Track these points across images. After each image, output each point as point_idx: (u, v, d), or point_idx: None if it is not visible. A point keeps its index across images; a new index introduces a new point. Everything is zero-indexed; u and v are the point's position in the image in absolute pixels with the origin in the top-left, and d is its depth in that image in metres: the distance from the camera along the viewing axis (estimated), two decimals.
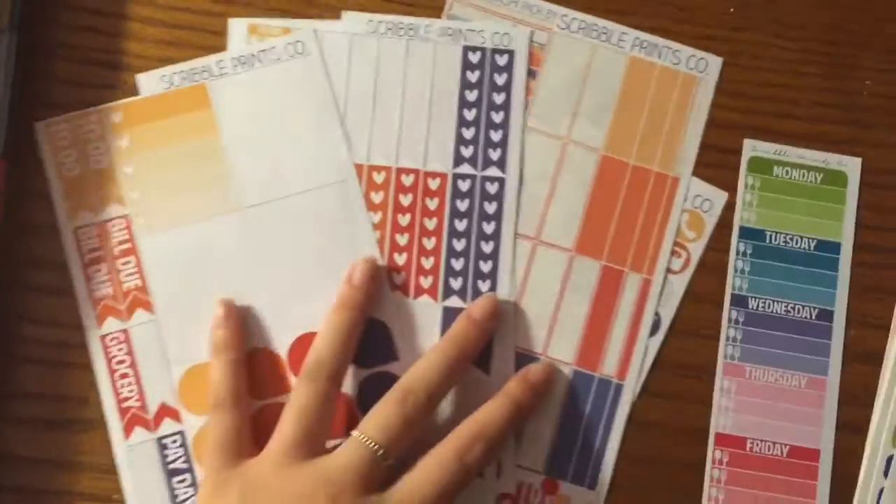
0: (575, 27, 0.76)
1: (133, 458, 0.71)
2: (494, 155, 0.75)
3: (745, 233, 0.75)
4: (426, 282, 0.74)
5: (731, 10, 0.77)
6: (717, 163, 0.75)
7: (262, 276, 0.73)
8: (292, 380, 0.72)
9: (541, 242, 0.74)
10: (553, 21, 0.76)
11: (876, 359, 0.74)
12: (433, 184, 0.75)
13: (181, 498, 0.71)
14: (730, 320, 0.74)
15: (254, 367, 0.72)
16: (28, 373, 0.72)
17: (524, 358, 0.73)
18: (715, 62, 0.76)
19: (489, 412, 0.68)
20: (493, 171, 0.74)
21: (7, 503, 0.70)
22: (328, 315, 0.69)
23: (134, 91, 0.74)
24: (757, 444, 0.73)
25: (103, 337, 0.72)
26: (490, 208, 0.74)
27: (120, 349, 0.72)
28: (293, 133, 0.74)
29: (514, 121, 0.75)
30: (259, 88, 0.75)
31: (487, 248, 0.74)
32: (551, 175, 0.75)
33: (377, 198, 0.74)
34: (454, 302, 0.73)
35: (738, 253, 0.75)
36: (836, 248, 0.75)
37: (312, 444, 0.66)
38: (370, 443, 0.64)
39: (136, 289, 0.73)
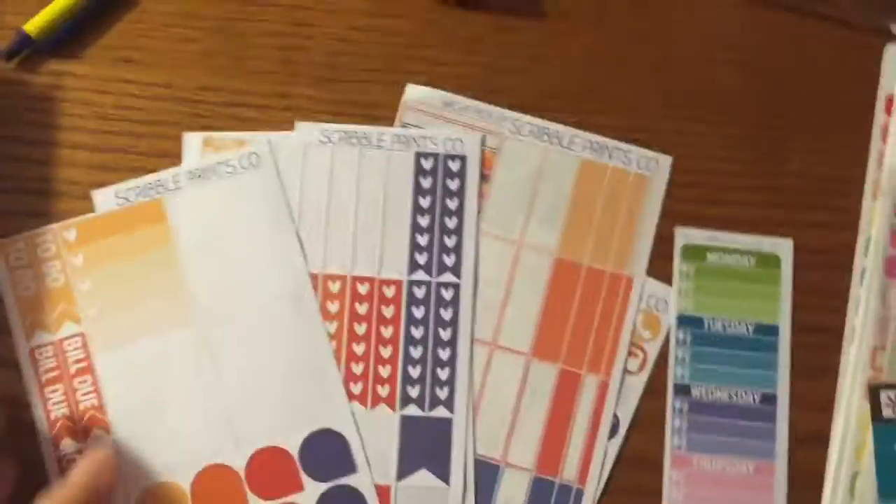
0: (526, 131, 0.77)
1: None
2: (449, 261, 0.75)
3: (684, 321, 0.75)
4: (383, 391, 0.73)
5: (657, 100, 0.78)
6: (652, 253, 0.75)
7: (219, 389, 0.72)
8: (249, 496, 0.71)
9: (497, 347, 0.74)
10: (504, 125, 0.76)
11: (822, 440, 0.73)
12: (388, 291, 0.74)
13: None
14: (674, 410, 0.73)
15: (211, 483, 0.71)
16: None
17: (483, 465, 0.72)
18: (665, 161, 0.76)
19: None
20: (447, 277, 0.74)
21: None
22: None
23: (62, 216, 0.74)
24: None
25: (60, 458, 0.71)
26: (446, 314, 0.74)
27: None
28: (249, 244, 0.74)
29: (467, 226, 0.75)
30: (214, 200, 0.75)
31: (444, 354, 0.73)
32: (506, 280, 0.74)
33: (333, 307, 0.74)
34: (412, 410, 0.72)
35: (677, 341, 0.74)
36: (774, 330, 0.75)
37: None
38: None
39: (92, 408, 0.71)
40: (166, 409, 0.71)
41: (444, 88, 0.77)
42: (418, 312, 0.74)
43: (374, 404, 0.73)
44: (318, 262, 0.75)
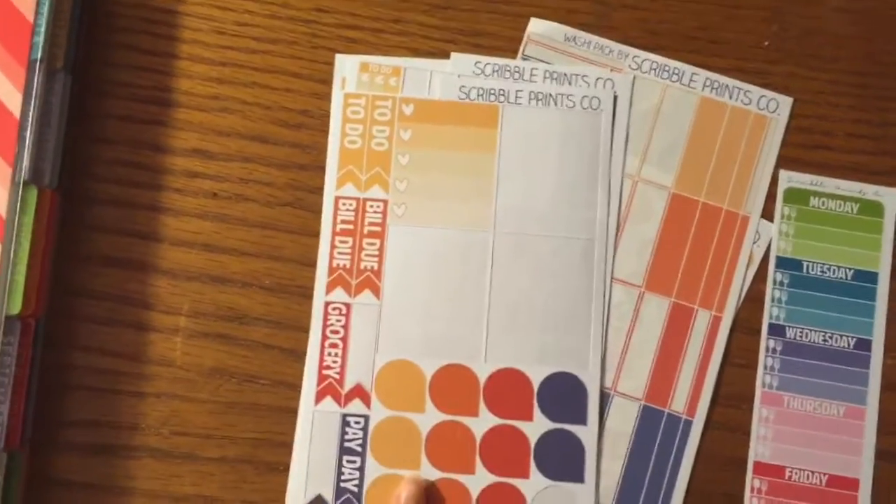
0: (646, 68, 0.76)
1: (316, 424, 0.72)
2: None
3: (782, 263, 0.75)
4: None
5: (766, 42, 0.77)
6: None
7: (491, 300, 0.73)
8: (481, 406, 0.73)
9: (612, 279, 0.74)
10: (625, 62, 0.76)
11: None
12: None
13: (345, 477, 0.72)
14: (767, 350, 0.74)
15: (451, 380, 0.73)
16: (80, 400, 0.72)
17: None
18: (786, 102, 0.76)
19: None
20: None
21: None
22: None
23: (176, 125, 0.75)
24: (795, 473, 0.73)
25: (328, 303, 0.74)
26: None
27: (338, 320, 0.73)
28: (562, 179, 0.75)
29: (615, 167, 0.75)
30: (546, 127, 0.75)
31: None
32: (622, 214, 0.74)
33: None
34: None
35: (775, 283, 0.74)
36: (873, 277, 0.75)
37: None
38: None
39: (370, 270, 0.74)
40: (436, 297, 0.73)
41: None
42: None
43: None
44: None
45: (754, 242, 0.75)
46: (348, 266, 0.74)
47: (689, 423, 0.73)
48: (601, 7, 0.77)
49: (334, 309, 0.74)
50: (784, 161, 0.76)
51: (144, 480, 0.72)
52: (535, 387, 0.73)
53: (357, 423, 0.73)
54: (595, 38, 0.77)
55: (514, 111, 0.76)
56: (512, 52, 0.77)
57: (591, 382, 0.73)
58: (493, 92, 0.76)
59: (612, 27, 0.77)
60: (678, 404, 0.73)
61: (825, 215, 0.75)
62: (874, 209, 0.75)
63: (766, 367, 0.74)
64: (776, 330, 0.74)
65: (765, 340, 0.74)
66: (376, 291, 0.74)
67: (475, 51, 0.77)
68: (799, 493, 0.72)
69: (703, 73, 0.76)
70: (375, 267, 0.74)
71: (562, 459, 0.72)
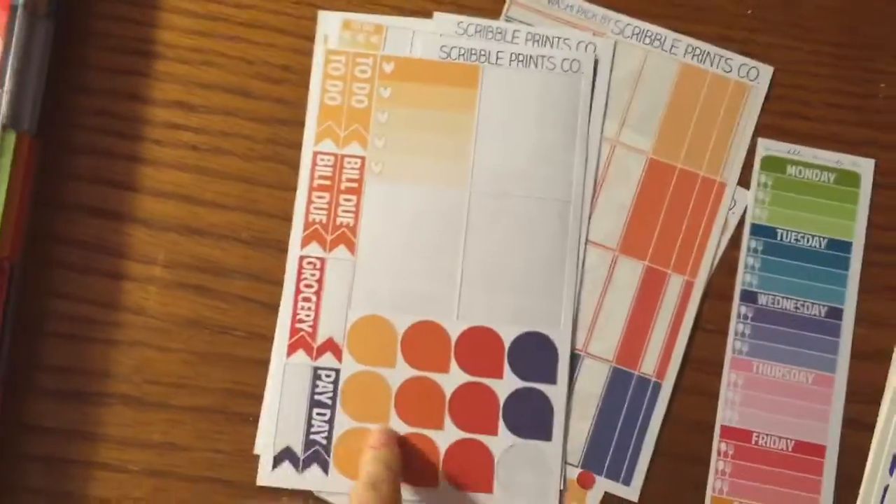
0: (628, 33, 0.77)
1: (287, 376, 0.73)
2: None
3: (757, 230, 0.75)
4: None
5: (749, 11, 0.77)
6: None
7: (465, 258, 0.74)
8: (452, 363, 0.73)
9: (587, 241, 0.74)
10: (607, 26, 0.76)
11: (884, 357, 0.75)
12: None
13: (315, 429, 0.73)
14: (739, 315, 0.74)
15: (422, 336, 0.74)
16: (54, 346, 0.72)
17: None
18: (766, 71, 0.76)
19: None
20: None
21: (34, 470, 0.72)
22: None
23: (159, 77, 0.75)
24: (763, 438, 0.74)
25: (302, 258, 0.74)
26: None
27: (312, 275, 0.74)
28: (540, 139, 0.75)
29: (592, 131, 0.76)
30: (525, 88, 0.76)
31: None
32: (600, 177, 0.75)
33: None
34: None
35: (748, 250, 0.75)
36: (847, 247, 0.75)
37: None
38: None
39: (346, 226, 0.74)
40: (411, 253, 0.74)
41: None
42: None
43: None
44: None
45: (730, 209, 0.75)
46: (324, 221, 0.75)
47: (658, 386, 0.74)
48: None
49: (309, 263, 0.74)
50: (762, 129, 0.77)
51: (115, 427, 0.72)
52: (507, 345, 0.74)
53: (328, 376, 0.73)
54: (578, 2, 0.77)
55: (495, 72, 0.76)
56: (495, 14, 0.77)
57: (561, 343, 0.74)
58: (474, 52, 0.76)
59: None
60: (648, 367, 0.74)
61: (801, 184, 0.76)
62: (851, 179, 0.76)
63: (736, 333, 0.74)
64: (748, 296, 0.75)
65: (736, 307, 0.75)
66: (351, 247, 0.74)
67: (458, 11, 0.77)
68: (765, 457, 0.73)
69: (685, 40, 0.77)
70: (351, 223, 0.75)
71: (530, 417, 0.73)
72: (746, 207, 0.75)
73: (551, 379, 0.74)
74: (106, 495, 0.72)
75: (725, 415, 0.74)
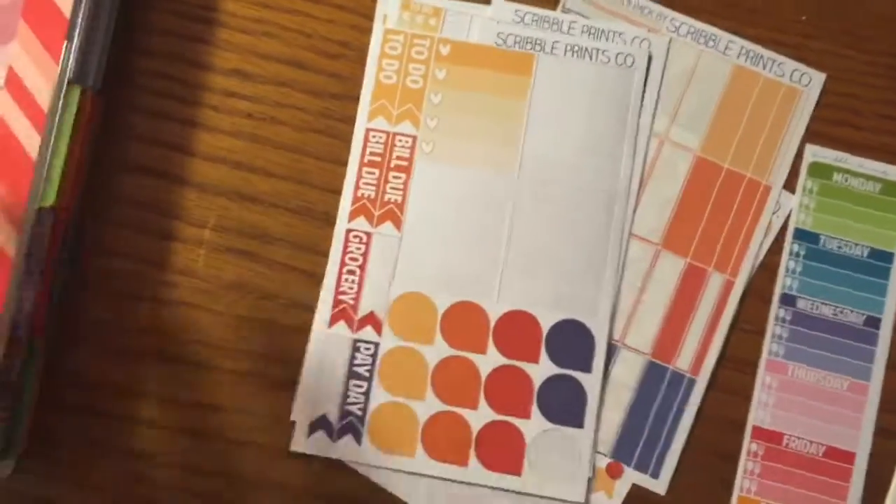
0: (684, 31, 0.77)
1: (327, 346, 0.74)
2: None
3: (800, 235, 0.76)
4: None
5: (804, 17, 0.78)
6: None
7: (509, 242, 0.75)
8: (490, 344, 0.74)
9: (630, 235, 0.75)
10: (663, 24, 0.77)
11: None
12: None
13: (351, 400, 0.74)
14: (777, 318, 0.75)
15: (462, 316, 0.75)
16: (102, 301, 0.74)
17: None
18: (818, 77, 0.77)
19: None
20: None
21: (75, 422, 0.73)
22: None
23: (221, 45, 0.77)
24: (793, 441, 0.74)
25: (349, 231, 0.75)
26: None
27: (358, 248, 0.75)
28: (590, 131, 0.76)
29: (643, 127, 0.76)
30: (580, 79, 0.76)
31: None
32: (647, 171, 0.76)
33: None
34: None
35: (791, 253, 0.75)
36: (889, 257, 0.76)
37: None
38: None
39: (393, 203, 0.75)
40: (456, 234, 0.75)
41: None
42: None
43: None
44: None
45: (774, 212, 0.76)
46: (372, 197, 0.76)
47: (692, 382, 0.74)
48: None
49: (355, 237, 0.75)
50: (811, 135, 0.77)
51: (154, 383, 0.74)
52: (545, 331, 0.75)
53: (367, 349, 0.74)
54: None
55: (549, 61, 0.77)
56: (552, 4, 0.78)
57: (599, 332, 0.74)
58: (529, 41, 0.77)
59: None
60: (683, 363, 0.75)
61: (847, 192, 0.76)
62: None
63: (773, 335, 0.75)
64: (787, 300, 0.75)
65: (775, 309, 0.75)
66: (398, 223, 0.75)
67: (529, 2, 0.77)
68: (795, 460, 0.74)
69: (739, 42, 0.77)
70: (399, 200, 0.75)
71: (564, 404, 0.74)
72: (791, 212, 0.76)
73: (587, 367, 0.74)
74: (143, 448, 0.73)
75: (758, 415, 0.74)
